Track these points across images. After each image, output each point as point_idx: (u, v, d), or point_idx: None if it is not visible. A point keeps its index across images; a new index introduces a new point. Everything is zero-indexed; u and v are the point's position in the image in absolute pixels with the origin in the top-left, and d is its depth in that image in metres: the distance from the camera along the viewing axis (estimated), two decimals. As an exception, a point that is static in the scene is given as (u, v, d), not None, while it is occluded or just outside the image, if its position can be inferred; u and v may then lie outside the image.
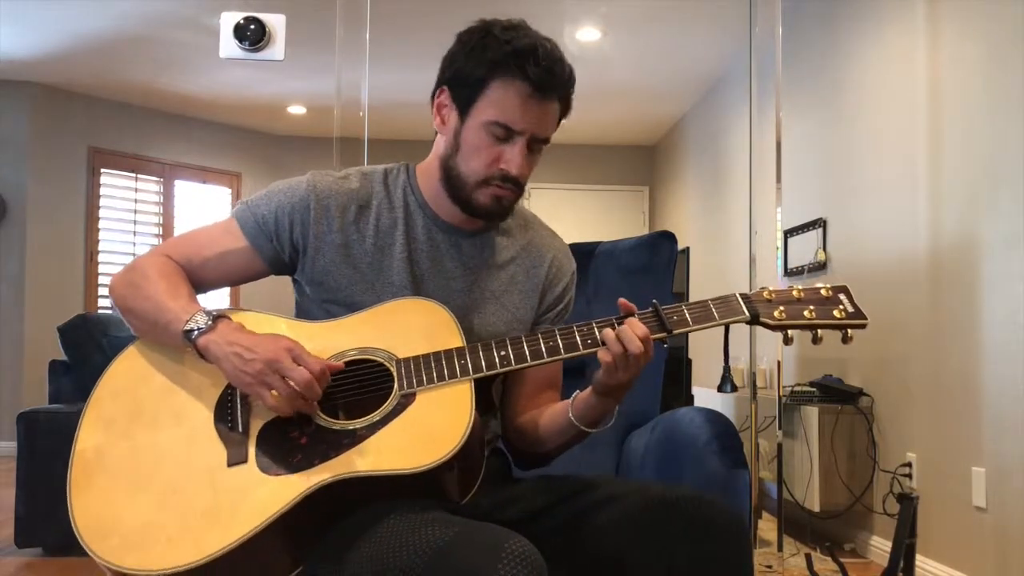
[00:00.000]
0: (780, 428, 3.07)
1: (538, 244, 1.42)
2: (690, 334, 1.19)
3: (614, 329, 1.16)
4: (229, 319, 1.21)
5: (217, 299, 6.11)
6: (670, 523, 1.12)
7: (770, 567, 2.99)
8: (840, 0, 3.71)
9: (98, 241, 6.16)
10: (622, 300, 1.19)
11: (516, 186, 1.26)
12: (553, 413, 1.31)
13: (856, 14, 3.55)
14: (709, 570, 1.10)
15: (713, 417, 1.60)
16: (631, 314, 1.19)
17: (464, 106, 1.25)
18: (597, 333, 1.18)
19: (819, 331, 1.21)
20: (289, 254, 1.31)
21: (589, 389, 1.23)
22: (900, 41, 3.18)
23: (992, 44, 2.62)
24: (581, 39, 4.85)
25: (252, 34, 3.04)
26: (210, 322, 1.18)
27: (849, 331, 1.21)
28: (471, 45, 1.24)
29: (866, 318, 1.21)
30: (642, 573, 1.12)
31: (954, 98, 2.81)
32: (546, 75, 1.21)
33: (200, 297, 1.36)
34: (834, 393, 3.32)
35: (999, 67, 2.58)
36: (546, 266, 1.40)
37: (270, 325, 1.25)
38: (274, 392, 1.12)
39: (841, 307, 1.21)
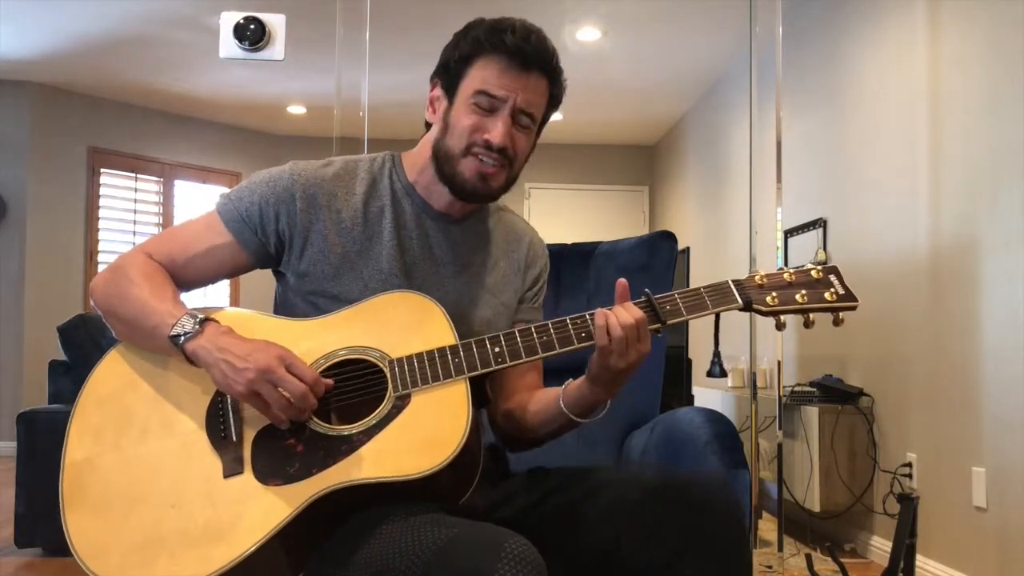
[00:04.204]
0: (780, 428, 3.07)
1: (515, 227, 1.43)
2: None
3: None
4: (217, 322, 1.18)
5: (216, 295, 6.12)
6: (666, 507, 1.12)
7: (770, 567, 2.99)
8: (840, 0, 3.71)
9: (98, 241, 6.16)
10: (621, 280, 1.18)
11: (502, 157, 1.25)
12: (543, 400, 1.30)
13: (856, 14, 3.54)
14: (707, 552, 1.09)
15: (713, 417, 1.60)
16: (626, 299, 1.18)
17: (451, 90, 1.27)
18: (591, 325, 1.17)
19: (811, 314, 1.21)
20: (274, 245, 1.29)
21: (583, 377, 1.23)
22: (900, 41, 3.17)
23: (993, 44, 2.62)
24: (581, 39, 4.85)
25: (252, 34, 3.04)
26: (197, 326, 1.15)
27: (840, 313, 1.21)
28: (460, 34, 1.28)
29: (856, 299, 1.21)
30: (640, 558, 1.11)
31: (954, 98, 2.81)
32: (522, 43, 1.23)
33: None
34: (834, 393, 3.32)
35: (1000, 67, 2.57)
36: (525, 247, 1.42)
37: (258, 325, 1.22)
38: (267, 401, 1.11)
39: (832, 289, 1.21)
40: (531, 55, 1.24)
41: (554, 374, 1.39)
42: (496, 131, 1.23)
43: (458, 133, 1.25)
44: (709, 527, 1.10)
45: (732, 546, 1.11)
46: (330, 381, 1.16)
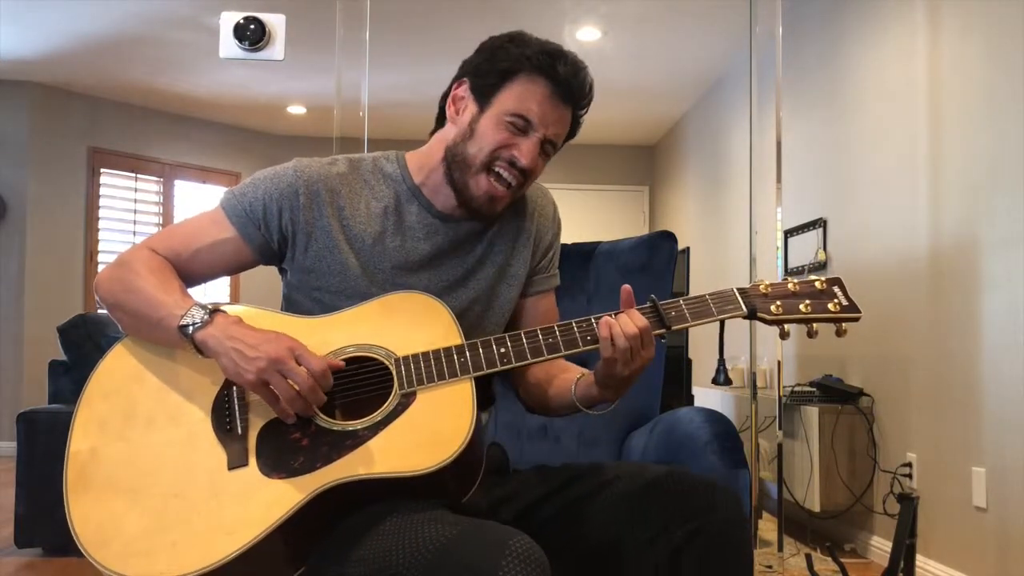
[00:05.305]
0: (780, 428, 3.06)
1: (523, 200, 1.41)
2: (690, 335, 1.20)
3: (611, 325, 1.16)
4: (226, 312, 1.18)
5: (215, 291, 6.12)
6: (667, 502, 1.12)
7: (770, 567, 2.99)
8: (840, 0, 3.71)
9: (98, 241, 6.16)
10: (625, 287, 1.19)
11: (520, 176, 1.25)
12: (559, 386, 1.32)
13: (856, 14, 3.55)
14: (708, 547, 1.10)
15: (713, 417, 1.60)
16: (631, 306, 1.19)
17: (485, 97, 1.26)
18: (596, 329, 1.18)
19: (814, 324, 1.23)
20: (278, 242, 1.29)
21: (592, 376, 1.24)
22: (900, 41, 3.18)
23: (992, 44, 2.62)
24: (581, 39, 4.85)
25: (252, 34, 3.04)
26: (206, 316, 1.16)
27: (843, 324, 1.22)
28: (499, 43, 1.27)
29: (859, 311, 1.23)
30: (641, 553, 1.12)
31: (954, 98, 2.81)
32: (572, 77, 1.24)
33: (199, 290, 1.34)
34: (834, 393, 3.32)
35: (999, 67, 2.58)
36: (534, 221, 1.41)
37: (264, 321, 1.22)
38: (275, 392, 1.11)
39: (836, 300, 1.23)
40: (576, 91, 1.26)
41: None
42: (525, 152, 1.24)
43: (483, 144, 1.24)
44: (712, 524, 1.11)
45: (735, 544, 1.12)
46: (341, 363, 1.16)
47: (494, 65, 1.25)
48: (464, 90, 1.29)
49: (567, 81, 1.24)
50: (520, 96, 1.24)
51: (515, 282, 1.37)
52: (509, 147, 1.24)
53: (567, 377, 1.31)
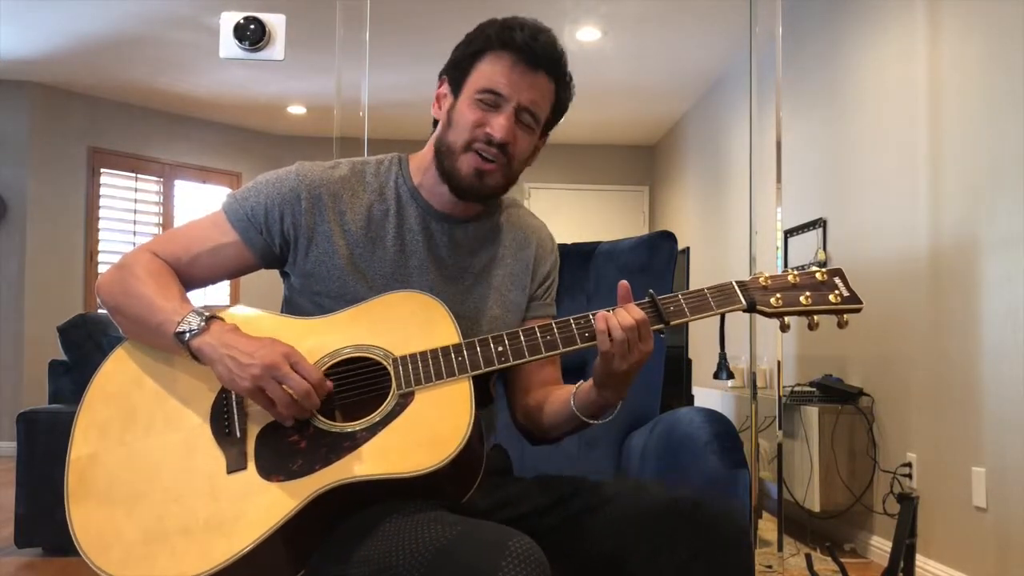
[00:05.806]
0: (780, 428, 3.06)
1: (523, 224, 1.43)
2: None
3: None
4: (222, 320, 1.18)
5: (216, 294, 6.12)
6: (670, 524, 1.12)
7: (770, 567, 2.99)
8: (840, 0, 3.71)
9: (98, 241, 6.16)
10: (623, 282, 1.18)
11: (501, 153, 1.25)
12: (557, 403, 1.31)
13: (856, 14, 3.55)
14: (708, 569, 1.09)
15: (713, 417, 1.60)
16: (628, 301, 1.18)
17: (457, 86, 1.28)
18: (593, 324, 1.17)
19: (815, 316, 1.21)
20: (280, 246, 1.29)
21: (591, 380, 1.23)
22: (900, 41, 3.18)
23: (992, 44, 2.62)
24: (581, 39, 4.85)
25: (252, 34, 3.04)
26: (203, 323, 1.16)
27: (845, 315, 1.21)
28: (469, 35, 1.29)
29: (861, 302, 1.21)
30: (641, 573, 1.11)
31: (954, 98, 2.81)
32: (531, 41, 1.24)
33: (200, 291, 1.34)
34: (834, 393, 3.32)
35: (999, 67, 2.58)
36: (533, 245, 1.41)
37: (263, 323, 1.22)
38: (271, 398, 1.11)
39: (837, 291, 1.21)
40: (539, 53, 1.25)
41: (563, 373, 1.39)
42: (497, 126, 1.23)
43: (460, 127, 1.25)
44: (712, 545, 1.10)
45: (734, 564, 1.12)
46: (330, 384, 1.16)
47: (464, 54, 1.28)
48: (444, 87, 1.31)
49: (528, 46, 1.24)
50: (486, 72, 1.25)
51: (512, 307, 1.37)
52: (483, 125, 1.24)
53: (562, 394, 1.30)
